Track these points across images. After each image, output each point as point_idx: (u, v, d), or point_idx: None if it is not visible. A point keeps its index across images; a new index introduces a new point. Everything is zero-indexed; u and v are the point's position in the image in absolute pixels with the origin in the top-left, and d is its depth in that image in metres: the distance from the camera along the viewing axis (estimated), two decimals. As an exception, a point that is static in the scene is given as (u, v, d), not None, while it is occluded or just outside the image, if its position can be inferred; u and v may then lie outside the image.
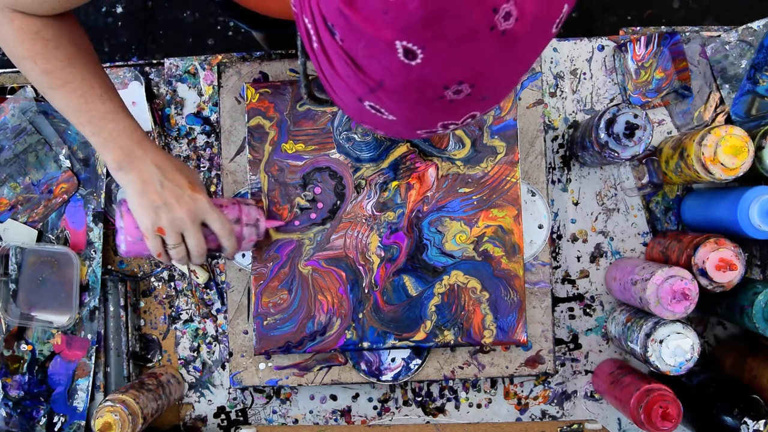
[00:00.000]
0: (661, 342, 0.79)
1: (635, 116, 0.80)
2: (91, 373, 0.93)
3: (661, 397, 0.78)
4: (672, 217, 0.93)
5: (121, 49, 1.78)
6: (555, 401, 0.94)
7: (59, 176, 0.93)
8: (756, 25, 0.91)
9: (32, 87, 0.93)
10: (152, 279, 0.95)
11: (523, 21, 0.41)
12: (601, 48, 0.94)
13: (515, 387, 0.93)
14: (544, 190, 0.90)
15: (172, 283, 0.95)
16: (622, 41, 0.93)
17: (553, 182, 0.94)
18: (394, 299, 0.86)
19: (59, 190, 0.93)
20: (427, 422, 0.94)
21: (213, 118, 0.95)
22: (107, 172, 0.93)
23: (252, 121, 0.88)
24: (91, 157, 0.93)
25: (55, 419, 0.93)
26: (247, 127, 0.88)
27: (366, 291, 0.86)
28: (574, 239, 0.93)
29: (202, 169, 0.95)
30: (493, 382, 0.93)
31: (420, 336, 0.86)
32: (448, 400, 0.94)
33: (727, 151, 0.78)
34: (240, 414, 0.95)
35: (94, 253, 0.93)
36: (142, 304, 0.95)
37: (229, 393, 0.95)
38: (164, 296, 0.95)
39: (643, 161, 0.89)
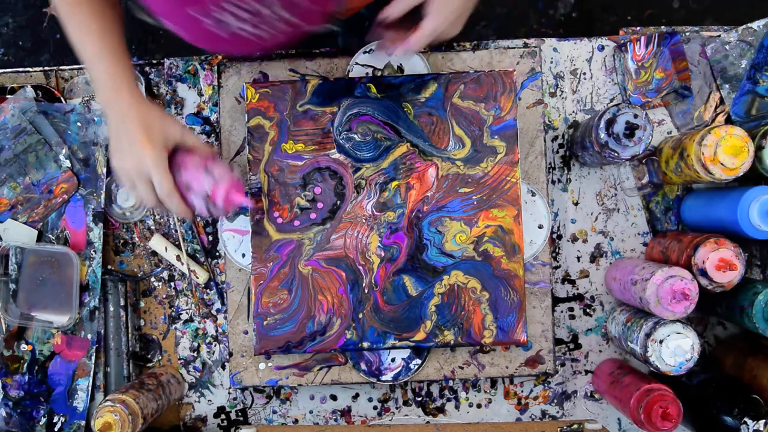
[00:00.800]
0: (661, 342, 0.79)
1: (635, 116, 0.80)
2: (91, 373, 0.93)
3: (661, 397, 0.78)
4: (672, 217, 0.93)
5: (121, 49, 1.78)
6: (555, 401, 0.94)
7: (59, 176, 0.93)
8: (756, 25, 0.91)
9: (32, 87, 0.93)
10: (152, 279, 0.95)
11: None
12: (601, 48, 0.94)
13: (515, 387, 0.94)
14: (544, 190, 0.90)
15: (172, 283, 0.95)
16: (622, 41, 0.93)
17: (553, 182, 0.94)
18: (394, 299, 0.86)
19: (59, 190, 0.93)
20: (427, 422, 0.94)
21: (213, 118, 0.95)
22: (107, 172, 0.93)
23: (252, 121, 0.88)
24: (91, 157, 0.94)
25: (55, 419, 0.93)
26: (247, 127, 0.88)
27: (366, 291, 0.86)
28: (574, 239, 0.93)
29: (202, 169, 0.95)
30: (493, 382, 0.93)
31: (420, 336, 0.86)
32: (448, 400, 0.94)
33: (727, 151, 0.78)
34: (240, 414, 0.95)
35: (94, 253, 0.93)
36: (142, 304, 0.95)
37: (229, 393, 0.95)
38: (164, 296, 0.95)
39: (643, 161, 0.89)
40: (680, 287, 0.78)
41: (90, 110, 0.93)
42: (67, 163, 0.93)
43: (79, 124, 0.93)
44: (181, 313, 0.94)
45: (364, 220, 0.87)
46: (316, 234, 0.87)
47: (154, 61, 0.97)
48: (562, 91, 0.94)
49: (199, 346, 0.94)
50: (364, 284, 0.86)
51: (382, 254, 0.86)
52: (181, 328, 0.94)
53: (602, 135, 0.81)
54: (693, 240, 0.82)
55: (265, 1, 0.60)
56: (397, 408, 0.94)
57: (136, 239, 0.95)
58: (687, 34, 0.92)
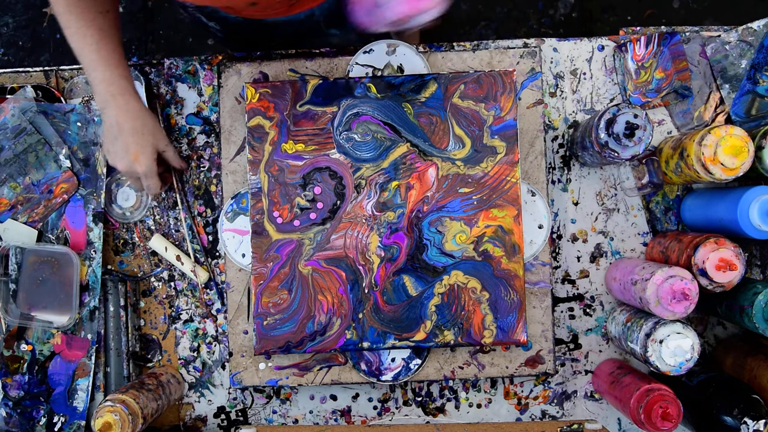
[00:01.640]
0: (661, 342, 0.79)
1: (635, 116, 0.80)
2: (91, 373, 0.93)
3: (661, 397, 0.78)
4: (672, 217, 0.93)
5: (121, 49, 1.78)
6: (555, 401, 0.94)
7: (59, 176, 0.93)
8: (756, 25, 0.91)
9: (32, 87, 0.93)
10: (152, 279, 0.95)
11: None
12: (601, 48, 0.94)
13: (515, 387, 0.94)
14: (544, 190, 0.90)
15: (172, 283, 0.95)
16: (622, 41, 0.93)
17: (553, 182, 0.94)
18: (394, 299, 0.86)
19: (59, 190, 0.93)
20: (427, 422, 0.94)
21: (213, 118, 0.95)
22: (107, 172, 0.93)
23: (252, 121, 0.88)
24: (91, 157, 0.94)
25: (55, 419, 0.93)
26: (247, 127, 0.88)
27: (366, 291, 0.86)
28: (574, 239, 0.93)
29: (202, 168, 0.95)
30: (493, 382, 0.93)
31: (420, 336, 0.86)
32: (448, 400, 0.94)
33: (727, 151, 0.78)
34: (240, 414, 0.95)
35: (94, 253, 0.93)
36: (142, 304, 0.95)
37: (229, 393, 0.95)
38: (164, 296, 0.95)
39: (643, 161, 0.89)
40: (680, 287, 0.78)
41: (90, 110, 0.93)
42: (67, 163, 0.93)
43: (79, 124, 0.93)
44: (181, 313, 0.94)
45: (364, 220, 0.87)
46: (316, 234, 0.87)
47: (154, 61, 0.96)
48: (562, 91, 0.94)
49: (199, 346, 0.94)
50: (364, 284, 0.86)
51: (382, 254, 0.86)
52: (181, 328, 0.94)
53: (602, 135, 0.81)
54: (693, 240, 0.82)
55: None
56: (397, 408, 0.94)
57: (136, 239, 0.95)
58: (687, 34, 0.93)
